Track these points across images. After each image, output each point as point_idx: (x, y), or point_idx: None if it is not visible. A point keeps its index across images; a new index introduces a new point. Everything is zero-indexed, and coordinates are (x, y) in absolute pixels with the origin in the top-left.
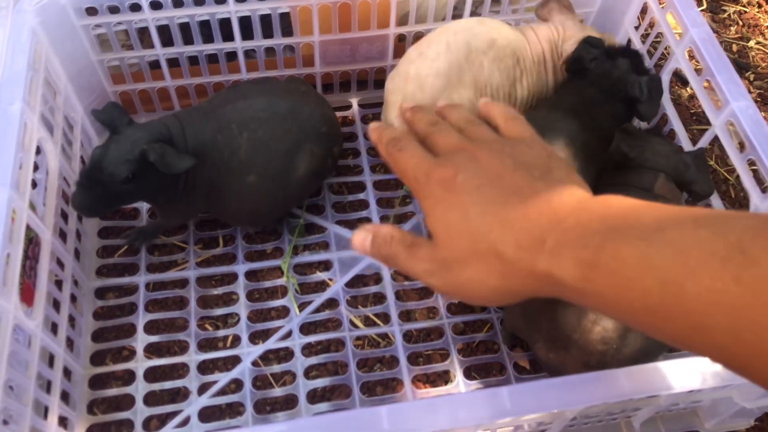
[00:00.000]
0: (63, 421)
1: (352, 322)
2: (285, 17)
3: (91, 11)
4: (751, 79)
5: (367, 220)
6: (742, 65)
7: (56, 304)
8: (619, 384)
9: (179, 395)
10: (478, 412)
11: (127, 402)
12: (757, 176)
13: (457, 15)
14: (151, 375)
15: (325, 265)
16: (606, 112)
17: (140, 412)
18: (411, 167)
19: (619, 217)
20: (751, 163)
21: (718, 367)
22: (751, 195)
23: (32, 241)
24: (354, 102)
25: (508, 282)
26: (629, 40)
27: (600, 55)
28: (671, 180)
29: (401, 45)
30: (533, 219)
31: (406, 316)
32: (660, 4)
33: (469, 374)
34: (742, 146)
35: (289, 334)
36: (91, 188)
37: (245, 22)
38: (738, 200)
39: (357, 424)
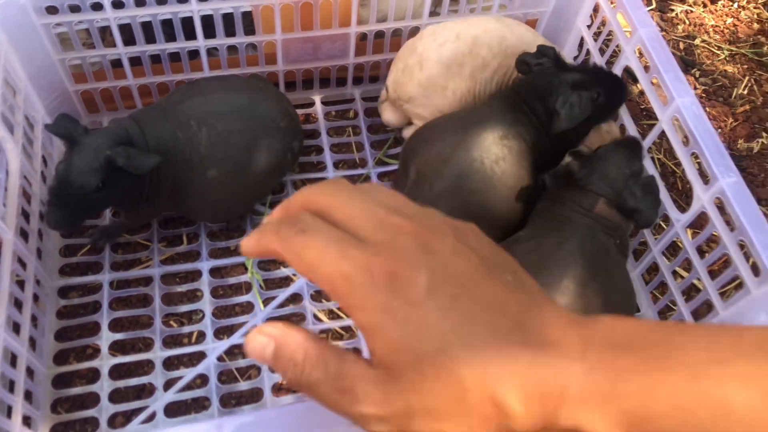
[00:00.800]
0: (27, 421)
1: (315, 316)
2: (247, 16)
3: (52, 10)
4: (697, 75)
5: None
6: (688, 62)
7: (18, 304)
8: None
9: (145, 391)
10: None
11: (92, 400)
12: (700, 169)
13: (417, 14)
14: (116, 372)
15: None
16: (533, 111)
17: (105, 410)
18: (330, 258)
19: (657, 350)
20: (696, 156)
21: None
22: (695, 186)
23: None
24: (317, 99)
25: None
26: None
27: (546, 61)
28: (612, 205)
29: (363, 44)
30: (541, 357)
31: None
32: (611, 4)
33: None
34: (686, 140)
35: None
36: (64, 205)
37: (208, 21)
38: (684, 192)
39: (322, 412)
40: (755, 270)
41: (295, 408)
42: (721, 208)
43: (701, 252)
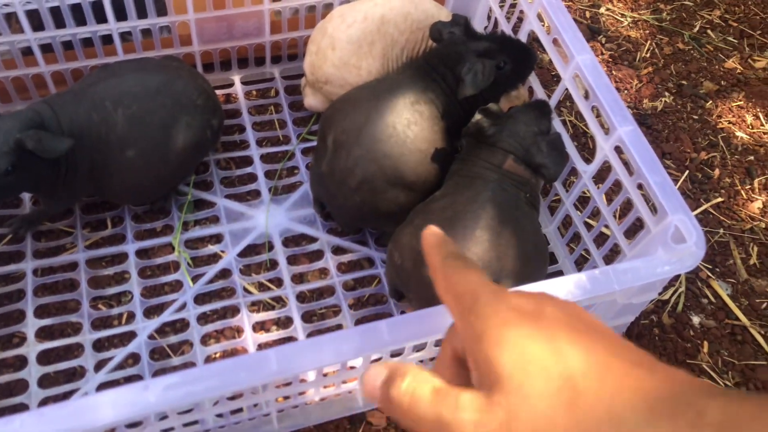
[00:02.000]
0: None
1: (245, 289)
2: None
3: None
4: (603, 42)
5: (257, 192)
6: (594, 30)
7: None
8: None
9: (75, 375)
10: (360, 345)
11: (21, 387)
12: (601, 122)
13: None
14: (45, 358)
15: (217, 238)
16: (443, 79)
17: (35, 395)
18: (472, 281)
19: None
20: (595, 110)
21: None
22: (597, 138)
23: None
24: (236, 79)
25: None
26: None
27: (457, 30)
28: (521, 161)
29: (277, 21)
30: (670, 382)
31: (298, 278)
32: None
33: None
34: (587, 95)
35: (183, 306)
36: None
37: (118, 4)
38: (594, 151)
39: (247, 367)
40: (654, 210)
41: (221, 365)
42: (622, 157)
43: (608, 201)
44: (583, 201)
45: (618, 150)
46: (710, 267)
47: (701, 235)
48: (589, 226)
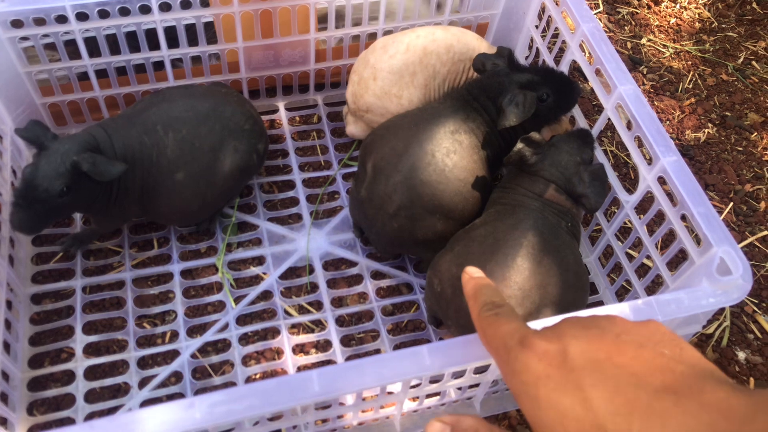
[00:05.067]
0: (4, 422)
1: (286, 311)
2: (209, 26)
3: (17, 23)
4: (644, 72)
5: (298, 216)
6: (636, 60)
7: None
8: None
9: (120, 391)
10: (402, 369)
11: (68, 402)
12: (645, 153)
13: (372, 17)
14: (91, 374)
15: (259, 260)
16: (485, 109)
17: (81, 410)
18: (504, 332)
19: None
20: (639, 140)
21: (632, 310)
22: (639, 167)
23: None
24: (281, 106)
25: None
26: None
27: (501, 61)
28: (562, 191)
29: (322, 50)
30: (696, 414)
31: (338, 302)
32: (556, 4)
33: None
34: (630, 125)
35: (226, 327)
36: (29, 207)
37: (171, 32)
38: (636, 180)
39: (290, 388)
40: (698, 241)
41: (264, 384)
42: (665, 188)
43: (650, 231)
44: (624, 231)
45: (661, 180)
46: (756, 302)
47: (748, 267)
48: (630, 257)
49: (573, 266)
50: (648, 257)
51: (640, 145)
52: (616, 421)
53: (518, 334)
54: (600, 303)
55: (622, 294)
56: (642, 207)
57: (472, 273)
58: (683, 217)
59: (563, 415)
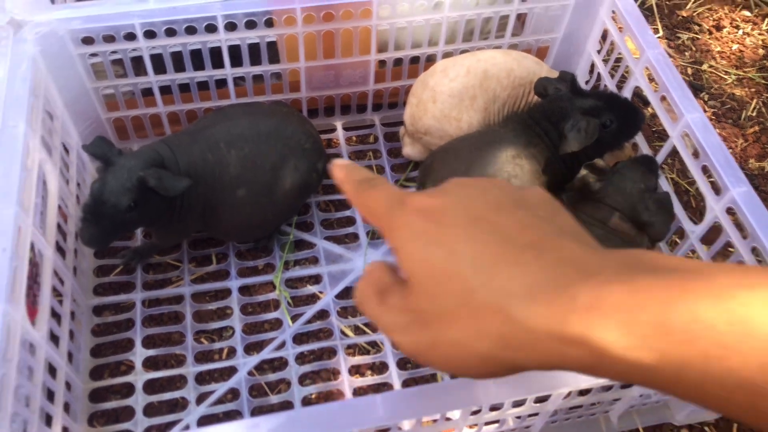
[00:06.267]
0: (66, 431)
1: (342, 332)
2: (272, 45)
3: (88, 40)
4: (706, 99)
5: (354, 236)
6: (697, 87)
7: (57, 319)
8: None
9: (178, 406)
10: (467, 398)
11: (127, 414)
12: (711, 181)
13: (432, 42)
14: (150, 387)
15: (316, 279)
16: (546, 134)
17: (140, 423)
18: (384, 198)
19: (680, 272)
20: (706, 169)
21: None
22: (707, 198)
23: (32, 259)
24: (338, 125)
25: (507, 349)
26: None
27: (563, 86)
28: (627, 219)
29: (381, 71)
30: (553, 266)
31: None
32: (619, 29)
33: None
34: (696, 154)
35: (282, 345)
36: (97, 222)
37: (234, 51)
38: (699, 209)
39: (354, 413)
40: None
41: (328, 407)
42: (733, 218)
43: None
44: None
45: (729, 211)
46: None
47: None
48: None
49: None
50: None
51: (707, 174)
52: (480, 273)
53: (399, 194)
54: None
55: None
56: (708, 238)
57: (340, 162)
58: (754, 250)
59: (433, 266)
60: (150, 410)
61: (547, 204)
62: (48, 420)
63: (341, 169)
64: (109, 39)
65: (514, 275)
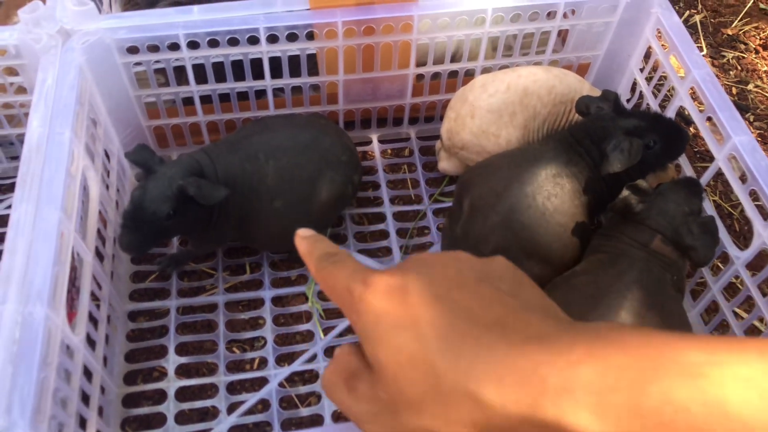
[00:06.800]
0: None
1: None
2: (311, 57)
3: (133, 50)
4: (751, 120)
5: (387, 249)
6: (742, 107)
7: (94, 324)
8: None
9: (209, 414)
10: None
11: (159, 420)
12: (759, 206)
13: (472, 57)
14: (182, 395)
15: None
16: (588, 153)
17: (171, 430)
18: (344, 277)
19: (651, 350)
20: (753, 193)
21: None
22: (754, 223)
23: (72, 264)
24: (374, 138)
25: None
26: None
27: (606, 105)
28: (669, 242)
29: (419, 85)
30: (520, 345)
31: None
32: (663, 47)
33: None
34: (743, 179)
35: (314, 357)
36: (137, 228)
37: (274, 62)
38: (742, 233)
39: None
40: None
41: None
42: None
43: (763, 293)
44: (731, 287)
45: None
46: None
47: None
48: (738, 316)
49: (677, 322)
50: (761, 319)
51: (754, 198)
52: (446, 356)
53: (361, 274)
54: None
55: None
56: (754, 264)
57: (304, 234)
58: None
59: (399, 351)
60: (181, 418)
61: (511, 276)
62: (82, 423)
63: (304, 241)
64: (153, 49)
65: (480, 356)
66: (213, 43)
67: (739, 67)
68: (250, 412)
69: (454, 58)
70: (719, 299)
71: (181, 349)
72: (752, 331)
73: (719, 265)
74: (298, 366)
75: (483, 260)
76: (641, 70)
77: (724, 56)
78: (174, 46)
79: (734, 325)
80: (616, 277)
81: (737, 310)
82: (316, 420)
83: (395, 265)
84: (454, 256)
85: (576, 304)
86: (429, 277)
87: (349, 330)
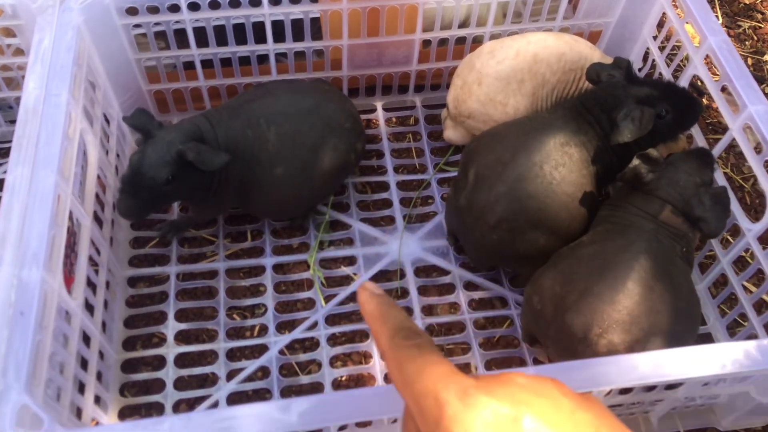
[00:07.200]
0: (98, 400)
1: None
2: (315, 22)
3: (132, 11)
4: (766, 91)
5: (390, 219)
6: (757, 78)
7: (93, 288)
8: (637, 366)
9: (208, 381)
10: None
11: (158, 386)
12: None
13: (480, 23)
14: (181, 361)
15: (350, 260)
16: (598, 122)
17: (170, 396)
18: (433, 377)
19: None
20: (767, 164)
21: (737, 354)
22: None
23: (70, 228)
24: (378, 105)
25: None
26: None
27: (617, 73)
28: (679, 213)
29: (425, 51)
30: None
31: (428, 310)
32: (679, 15)
33: (489, 368)
34: (758, 149)
35: (314, 325)
36: (135, 194)
37: (277, 26)
38: (753, 206)
39: (386, 399)
40: None
41: (360, 393)
42: None
43: None
44: (741, 261)
45: None
46: None
47: None
48: (747, 290)
49: (686, 295)
50: None
51: None
52: None
53: (456, 384)
54: (708, 335)
55: (733, 328)
56: (766, 238)
57: (373, 289)
58: None
59: None
60: (180, 384)
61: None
62: (81, 388)
63: (373, 300)
64: (153, 10)
65: None
66: (214, 5)
67: (755, 37)
68: (250, 379)
69: (463, 24)
70: (728, 272)
71: (180, 316)
72: (761, 305)
73: (729, 238)
74: (298, 333)
75: (587, 399)
76: (654, 38)
77: (740, 26)
78: (174, 8)
79: (743, 299)
80: (623, 247)
81: (746, 284)
82: (317, 387)
83: (494, 381)
84: (560, 389)
85: (582, 274)
86: (542, 414)
87: (349, 299)
